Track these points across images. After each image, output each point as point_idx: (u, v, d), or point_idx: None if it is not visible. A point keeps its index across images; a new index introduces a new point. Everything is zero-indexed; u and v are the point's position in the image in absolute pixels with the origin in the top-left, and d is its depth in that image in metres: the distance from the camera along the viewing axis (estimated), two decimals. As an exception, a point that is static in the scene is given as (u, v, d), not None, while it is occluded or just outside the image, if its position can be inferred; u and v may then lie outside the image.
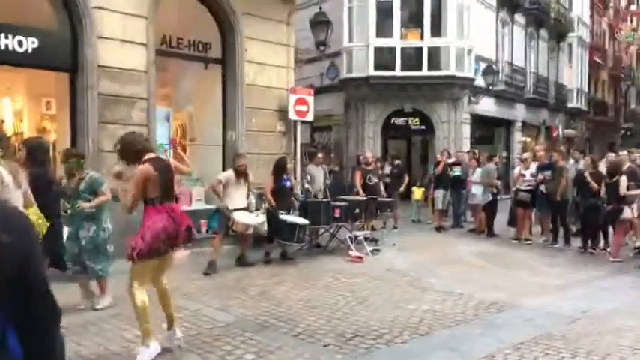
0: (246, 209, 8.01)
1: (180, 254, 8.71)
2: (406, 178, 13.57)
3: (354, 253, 8.78)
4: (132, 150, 4.35)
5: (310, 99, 10.94)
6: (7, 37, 7.55)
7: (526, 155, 12.20)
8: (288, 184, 8.79)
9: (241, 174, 7.93)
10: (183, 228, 4.37)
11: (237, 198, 7.89)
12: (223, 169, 9.31)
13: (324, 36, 13.05)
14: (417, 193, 14.01)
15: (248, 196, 8.10)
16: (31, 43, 7.72)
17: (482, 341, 4.89)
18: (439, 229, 12.32)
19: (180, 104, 11.18)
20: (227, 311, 5.74)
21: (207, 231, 9.17)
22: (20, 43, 7.64)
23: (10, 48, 7.58)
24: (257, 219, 7.91)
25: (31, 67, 8.30)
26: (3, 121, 11.93)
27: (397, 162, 13.71)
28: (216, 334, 4.97)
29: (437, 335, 5.08)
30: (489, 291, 6.72)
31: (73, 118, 8.41)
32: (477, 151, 13.83)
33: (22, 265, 1.22)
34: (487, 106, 20.27)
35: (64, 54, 8.12)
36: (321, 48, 12.67)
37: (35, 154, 4.83)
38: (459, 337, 4.98)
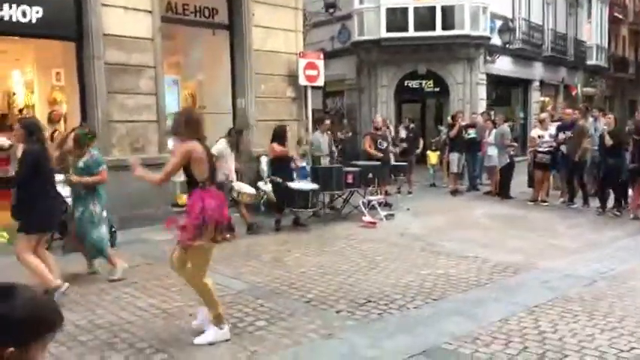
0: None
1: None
2: (421, 141, 13.39)
3: (367, 218, 8.71)
4: (195, 127, 4.09)
5: (320, 63, 10.73)
6: (10, 8, 7.45)
7: (543, 116, 11.92)
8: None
9: (235, 146, 8.00)
10: (226, 213, 4.18)
11: (230, 170, 7.89)
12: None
13: (333, -3, 12.74)
14: (432, 157, 13.84)
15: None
16: (35, 13, 7.63)
17: (496, 305, 4.83)
18: (454, 192, 12.17)
19: (189, 72, 11.05)
20: (239, 279, 5.73)
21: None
22: (24, 13, 7.55)
23: (15, 18, 7.49)
24: (264, 186, 7.90)
25: (36, 37, 8.21)
26: (14, 94, 11.94)
27: (412, 126, 13.46)
28: (228, 302, 4.95)
29: (450, 300, 5.02)
30: (505, 254, 6.63)
31: (82, 88, 8.35)
32: (491, 113, 13.54)
33: None
34: (504, 65, 19.76)
35: (68, 22, 8.01)
36: (331, 10, 12.34)
37: (32, 133, 4.92)
38: (473, 302, 4.92)
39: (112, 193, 6.45)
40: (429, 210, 10.13)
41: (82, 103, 8.33)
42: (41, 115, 9.81)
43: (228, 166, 7.89)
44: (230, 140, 8.01)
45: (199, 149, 4.02)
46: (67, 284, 5.01)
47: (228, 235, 4.30)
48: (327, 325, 4.40)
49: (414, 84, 17.98)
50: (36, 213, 4.87)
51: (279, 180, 8.28)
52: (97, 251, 5.77)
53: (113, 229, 7.28)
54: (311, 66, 10.53)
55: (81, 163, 5.66)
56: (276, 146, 8.33)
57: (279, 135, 8.45)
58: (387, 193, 10.67)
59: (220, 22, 10.05)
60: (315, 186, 8.48)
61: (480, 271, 5.95)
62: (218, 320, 4.11)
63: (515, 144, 11.48)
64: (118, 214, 7.42)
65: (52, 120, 10.20)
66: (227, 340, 4.08)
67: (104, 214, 5.96)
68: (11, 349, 1.19)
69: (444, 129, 14.02)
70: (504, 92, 21.44)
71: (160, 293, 5.25)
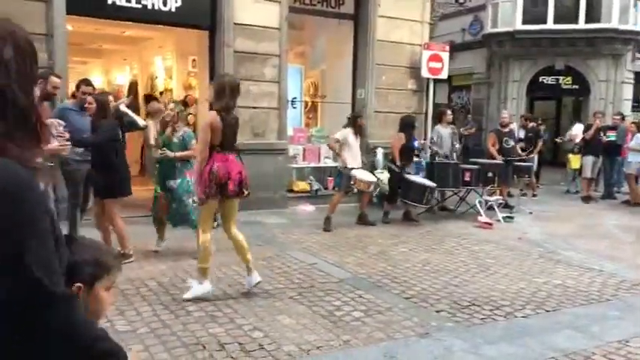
0: (361, 167, 7.97)
1: (306, 208, 8.98)
2: (540, 142, 12.17)
3: (483, 218, 8.31)
4: (226, 96, 4.56)
5: (445, 55, 10.37)
6: (154, -3, 8.08)
7: None
8: (416, 143, 8.52)
9: (359, 132, 7.90)
10: (235, 176, 4.57)
11: (354, 156, 7.84)
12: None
13: (465, -13, 12.21)
14: (574, 161, 12.57)
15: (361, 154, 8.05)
16: (174, 2, 8.19)
17: (617, 324, 4.35)
18: (586, 199, 11.17)
19: (314, 62, 11.25)
20: (342, 268, 5.75)
21: (333, 188, 9.26)
22: (164, 2, 8.13)
23: (157, 7, 8.11)
24: (380, 175, 7.82)
25: (174, 26, 8.82)
26: (157, 77, 12.99)
27: (531, 124, 12.34)
28: (328, 289, 5.00)
29: (565, 313, 4.62)
30: (635, 270, 5.98)
31: (212, 75, 8.82)
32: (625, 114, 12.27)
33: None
34: (656, 63, 17.75)
35: (203, 12, 8.50)
36: (461, 1, 11.85)
37: (104, 107, 5.56)
38: (590, 318, 4.48)
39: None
40: (555, 215, 9.43)
41: (210, 89, 8.81)
42: (177, 99, 10.55)
43: (352, 153, 7.84)
44: (354, 127, 7.95)
45: (217, 118, 4.50)
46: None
47: (246, 193, 4.74)
48: (424, 324, 4.25)
49: (549, 80, 16.76)
50: (118, 179, 5.58)
51: (397, 169, 8.17)
52: (187, 219, 6.00)
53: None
54: (435, 58, 10.22)
55: (175, 139, 5.97)
56: (398, 145, 8.21)
57: (407, 124, 8.31)
58: (508, 195, 10.09)
59: (346, 12, 10.09)
60: (433, 184, 8.25)
61: (603, 285, 5.41)
62: (201, 274, 4.64)
63: None
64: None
65: (187, 104, 10.96)
66: (208, 292, 4.62)
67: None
68: (79, 284, 1.35)
69: (577, 132, 12.75)
70: (655, 93, 19.29)
71: (264, 274, 5.39)
